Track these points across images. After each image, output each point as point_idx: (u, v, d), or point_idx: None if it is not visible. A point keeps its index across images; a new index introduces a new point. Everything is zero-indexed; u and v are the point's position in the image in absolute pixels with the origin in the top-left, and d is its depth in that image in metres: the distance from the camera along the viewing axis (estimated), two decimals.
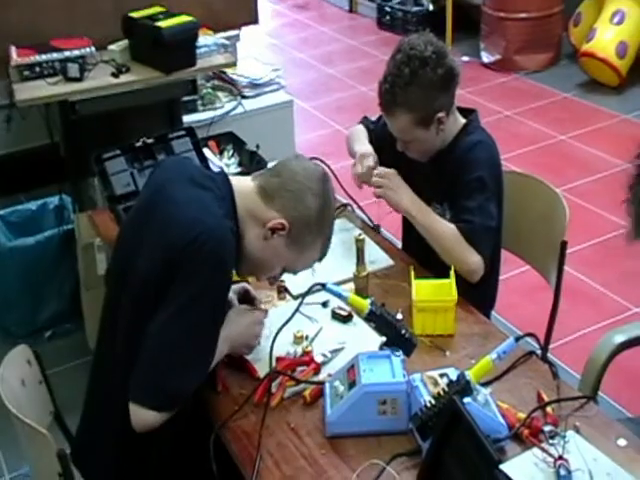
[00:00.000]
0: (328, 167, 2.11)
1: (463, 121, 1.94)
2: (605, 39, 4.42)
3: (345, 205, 2.25)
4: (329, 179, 1.58)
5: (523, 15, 4.81)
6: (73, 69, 2.70)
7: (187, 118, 3.12)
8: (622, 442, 1.37)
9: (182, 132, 2.26)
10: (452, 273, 1.73)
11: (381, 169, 1.92)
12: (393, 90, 1.82)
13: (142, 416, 1.36)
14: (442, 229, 1.83)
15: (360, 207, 2.22)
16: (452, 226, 1.84)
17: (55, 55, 2.74)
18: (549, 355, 1.85)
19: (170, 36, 2.72)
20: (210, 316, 1.41)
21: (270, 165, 2.26)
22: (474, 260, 1.81)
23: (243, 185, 1.54)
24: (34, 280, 2.87)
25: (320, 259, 1.60)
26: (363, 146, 2.04)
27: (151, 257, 1.42)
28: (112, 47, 2.85)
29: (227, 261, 1.41)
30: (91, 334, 2.74)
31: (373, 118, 2.18)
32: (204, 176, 1.55)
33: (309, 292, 1.54)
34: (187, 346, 1.38)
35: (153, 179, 1.62)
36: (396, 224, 2.16)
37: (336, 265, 1.89)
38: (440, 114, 1.84)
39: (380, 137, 2.07)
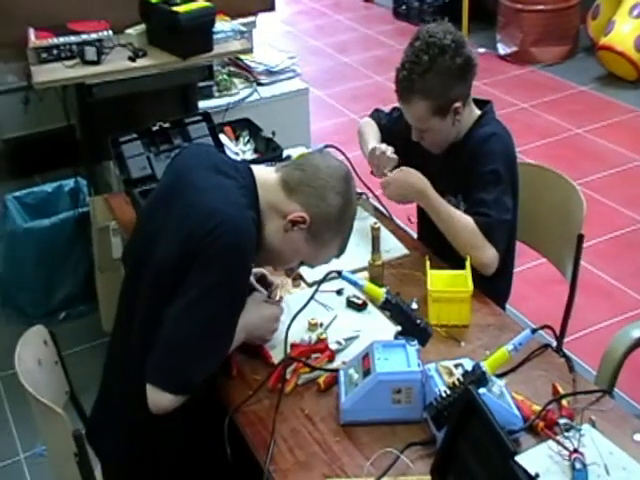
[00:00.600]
0: (343, 155, 2.12)
1: (478, 113, 1.93)
2: (623, 32, 4.37)
3: (360, 194, 2.23)
4: (352, 179, 1.57)
5: (540, 7, 4.76)
6: (90, 52, 2.69)
7: (202, 104, 3.11)
8: (638, 437, 1.36)
9: (198, 117, 2.26)
10: (468, 264, 1.72)
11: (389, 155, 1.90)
12: (411, 77, 1.80)
13: (158, 398, 1.37)
14: (459, 220, 1.82)
15: (375, 195, 2.20)
16: (469, 218, 1.82)
17: (73, 38, 2.74)
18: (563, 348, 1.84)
19: (187, 21, 2.71)
20: (229, 305, 1.41)
21: (286, 153, 2.27)
22: (489, 254, 1.79)
23: (266, 176, 1.52)
24: (49, 262, 2.89)
25: (338, 256, 1.60)
26: (373, 143, 2.02)
27: (171, 244, 1.41)
28: (129, 31, 2.84)
29: (247, 251, 1.41)
30: (105, 316, 2.75)
31: (386, 110, 2.16)
32: (227, 164, 1.55)
33: (325, 279, 1.53)
34: (205, 333, 1.37)
35: (175, 165, 1.61)
36: (411, 214, 2.14)
37: (351, 253, 1.88)
38: (457, 104, 1.82)
39: (392, 130, 2.06)
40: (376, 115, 2.17)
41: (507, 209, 1.84)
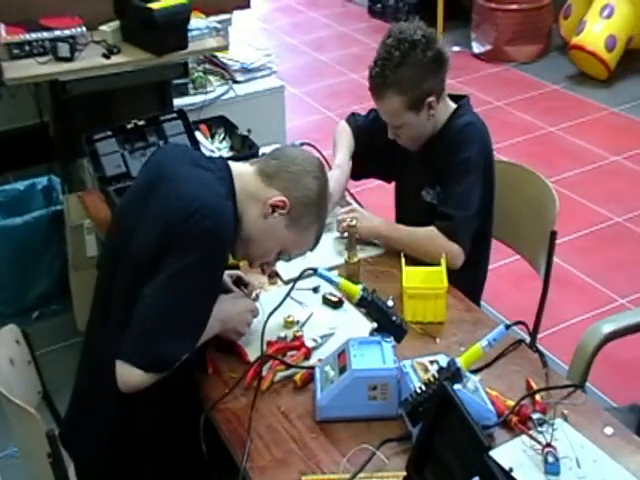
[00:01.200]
0: (319, 152, 2.12)
1: (453, 106, 1.95)
2: (594, 32, 4.43)
3: None
4: (325, 168, 1.59)
5: (514, 6, 4.80)
6: (64, 49, 2.66)
7: (178, 101, 3.09)
8: (609, 430, 1.38)
9: (174, 114, 2.25)
10: (443, 261, 1.73)
11: (341, 211, 1.94)
12: (383, 73, 1.82)
13: (128, 374, 1.36)
14: (417, 237, 1.86)
15: (351, 194, 2.21)
16: (429, 228, 1.85)
17: (45, 34, 2.70)
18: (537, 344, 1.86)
19: (162, 17, 2.69)
20: (205, 287, 1.41)
21: (262, 151, 2.27)
22: (452, 250, 1.83)
23: (242, 169, 1.56)
24: (22, 260, 2.85)
25: (313, 247, 1.62)
26: (333, 169, 2.04)
27: (148, 235, 1.42)
28: (103, 27, 2.81)
29: (225, 238, 1.42)
30: (79, 315, 2.72)
31: (363, 113, 2.17)
32: (204, 159, 1.57)
33: (300, 277, 1.54)
34: (179, 312, 1.38)
35: (151, 162, 1.61)
36: (388, 212, 2.15)
37: (326, 251, 1.89)
38: (430, 98, 1.84)
39: (369, 130, 2.08)
40: (352, 119, 2.17)
41: (473, 203, 1.87)
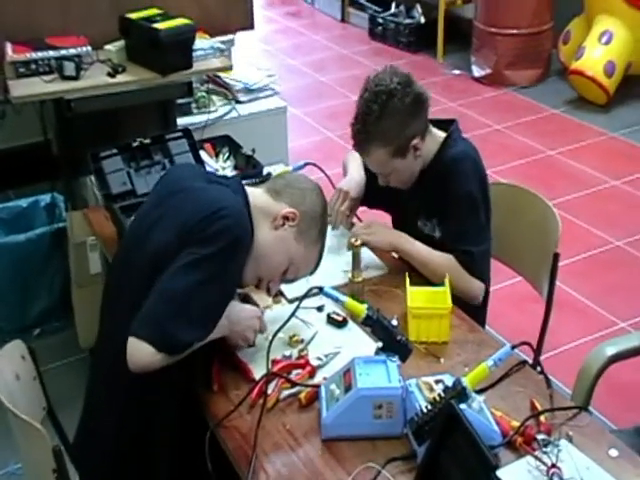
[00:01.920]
0: (322, 172, 2.15)
1: (442, 136, 1.95)
2: (593, 58, 4.48)
3: None
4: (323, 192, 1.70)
5: (514, 31, 4.86)
6: (69, 67, 2.69)
7: (181, 120, 3.11)
8: (614, 452, 1.39)
9: (179, 133, 2.27)
10: (447, 281, 1.75)
11: (359, 226, 1.95)
12: (365, 128, 1.83)
13: (139, 351, 1.38)
14: (439, 261, 1.86)
15: (355, 214, 2.23)
16: (448, 256, 1.86)
17: (51, 53, 2.73)
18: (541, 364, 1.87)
19: (167, 38, 2.73)
20: (220, 280, 1.46)
21: (266, 170, 2.29)
22: (475, 287, 1.86)
23: (252, 188, 1.64)
24: (24, 277, 2.86)
25: (315, 268, 1.67)
26: (351, 174, 2.07)
27: (168, 229, 1.49)
28: (109, 47, 2.85)
29: (244, 240, 1.49)
30: (82, 332, 2.73)
31: None
32: (218, 176, 1.67)
33: (306, 295, 1.55)
34: (193, 298, 1.42)
35: (167, 177, 1.68)
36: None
37: (331, 270, 1.90)
38: (414, 141, 1.86)
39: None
40: None
41: (487, 238, 1.89)
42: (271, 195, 1.62)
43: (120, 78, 2.75)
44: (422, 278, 1.87)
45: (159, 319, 1.40)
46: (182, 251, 1.44)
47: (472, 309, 1.85)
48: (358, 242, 1.82)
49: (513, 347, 1.46)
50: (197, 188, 1.56)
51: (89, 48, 2.80)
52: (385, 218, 2.16)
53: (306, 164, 2.20)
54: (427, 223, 1.95)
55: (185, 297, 1.41)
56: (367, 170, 2.06)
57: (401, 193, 1.97)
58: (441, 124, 1.98)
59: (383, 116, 1.81)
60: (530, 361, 1.67)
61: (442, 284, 1.74)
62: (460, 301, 1.79)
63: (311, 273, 1.69)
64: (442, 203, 1.89)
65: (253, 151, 2.49)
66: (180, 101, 3.14)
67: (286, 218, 1.59)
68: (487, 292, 2.08)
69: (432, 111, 1.93)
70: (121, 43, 2.86)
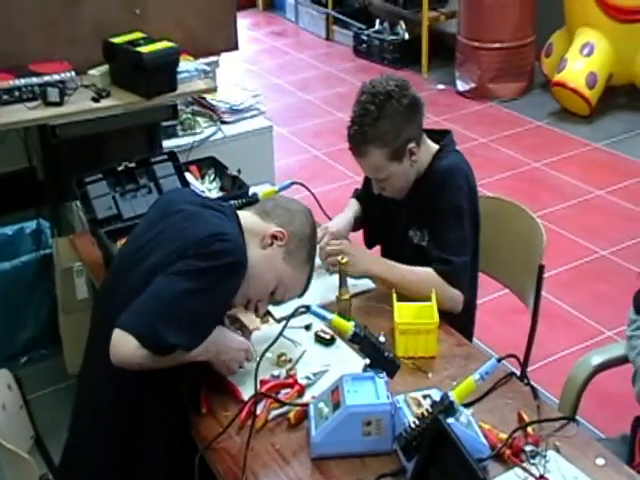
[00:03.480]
0: (309, 190, 2.17)
1: (435, 147, 1.99)
2: (575, 70, 4.55)
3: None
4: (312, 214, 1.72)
5: (497, 45, 4.93)
6: (53, 94, 2.71)
7: (167, 143, 3.14)
8: (600, 461, 1.41)
9: (164, 156, 2.29)
10: (433, 296, 1.77)
11: (331, 244, 1.94)
12: (362, 129, 1.85)
13: (123, 343, 1.40)
14: (417, 279, 1.87)
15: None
16: (427, 270, 1.88)
17: (34, 79, 2.74)
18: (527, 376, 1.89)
19: (151, 61, 2.75)
20: (212, 294, 1.47)
21: (252, 190, 2.32)
22: (453, 296, 1.87)
23: (241, 212, 1.68)
24: (10, 305, 2.85)
25: (303, 291, 1.70)
26: (343, 213, 2.12)
27: (162, 251, 1.51)
28: (92, 72, 2.87)
29: (241, 267, 1.52)
30: (69, 358, 2.72)
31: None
32: (212, 201, 1.70)
33: (294, 314, 1.56)
34: (183, 304, 1.44)
35: (163, 200, 1.73)
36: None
37: (317, 289, 1.91)
38: (411, 145, 1.88)
39: (366, 192, 2.12)
40: (355, 193, 2.24)
41: (468, 249, 1.91)
42: (260, 216, 1.66)
43: (104, 103, 2.77)
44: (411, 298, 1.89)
45: (148, 316, 1.42)
46: (178, 262, 1.47)
47: (459, 322, 1.88)
48: (344, 259, 1.84)
49: (499, 360, 1.48)
50: (195, 212, 1.59)
51: (73, 73, 2.81)
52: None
53: (292, 183, 2.23)
54: (417, 233, 1.97)
55: (175, 301, 1.44)
56: (370, 201, 2.09)
57: (392, 206, 2.00)
58: (435, 135, 2.01)
59: (381, 117, 1.83)
60: (518, 373, 1.68)
61: (429, 299, 1.76)
62: (448, 315, 1.81)
63: (300, 295, 1.71)
64: (432, 214, 1.91)
65: (239, 172, 2.51)
66: (165, 124, 3.16)
67: (274, 237, 1.61)
68: (474, 305, 2.11)
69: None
70: (105, 67, 2.89)
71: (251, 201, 1.94)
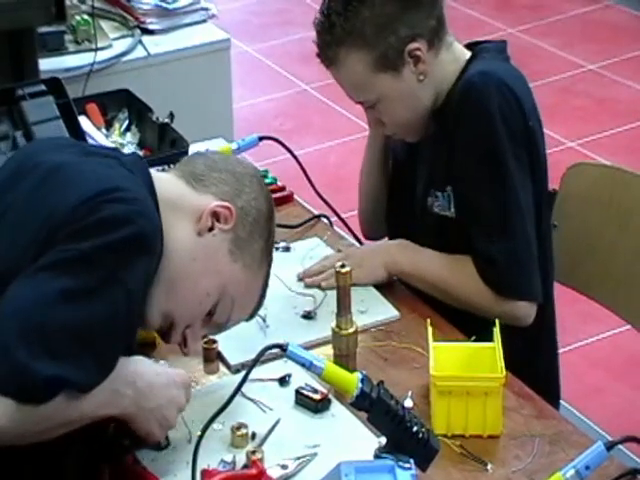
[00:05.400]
0: (289, 151, 2.19)
1: (468, 54, 2.03)
2: None
3: (318, 217, 2.29)
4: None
5: None
6: None
7: (46, 64, 3.15)
8: None
9: (40, 87, 2.31)
10: (497, 330, 1.77)
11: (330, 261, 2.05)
12: (330, 21, 1.91)
13: None
14: (458, 275, 1.97)
15: (341, 218, 2.27)
16: (465, 259, 1.95)
17: None
18: None
19: None
20: (106, 293, 1.46)
21: (193, 148, 2.33)
22: (514, 309, 1.94)
23: (158, 172, 1.70)
24: None
25: (256, 308, 1.74)
26: None
27: (12, 236, 1.50)
28: None
29: (149, 240, 1.51)
30: None
31: None
32: (103, 148, 1.73)
33: (259, 358, 1.57)
34: (61, 314, 1.42)
35: (12, 161, 1.71)
36: None
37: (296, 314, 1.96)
38: (413, 44, 1.92)
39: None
40: None
41: (522, 221, 1.94)
42: (188, 182, 1.68)
43: None
44: (455, 327, 1.92)
45: (7, 354, 1.39)
46: (44, 253, 1.46)
47: (537, 372, 1.93)
48: (346, 269, 1.85)
49: (611, 445, 1.49)
50: (63, 164, 1.59)
51: None
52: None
53: (262, 138, 2.23)
54: (438, 195, 2.02)
55: (46, 311, 1.43)
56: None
57: (401, 150, 2.10)
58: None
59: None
60: None
61: (487, 333, 1.77)
62: (521, 362, 1.83)
63: (249, 317, 1.74)
64: (452, 161, 1.97)
65: (171, 117, 2.51)
66: (43, 30, 3.18)
67: (216, 216, 1.64)
68: (554, 346, 2.14)
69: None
70: None
71: None
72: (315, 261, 2.08)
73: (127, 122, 2.56)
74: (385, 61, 1.92)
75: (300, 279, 2.07)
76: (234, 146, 2.20)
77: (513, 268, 1.93)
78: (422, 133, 2.04)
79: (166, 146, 2.43)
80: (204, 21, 3.53)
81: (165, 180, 1.69)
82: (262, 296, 1.74)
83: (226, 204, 1.65)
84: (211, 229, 1.64)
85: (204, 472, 1.59)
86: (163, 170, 1.87)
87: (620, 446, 1.55)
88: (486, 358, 1.75)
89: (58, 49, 3.31)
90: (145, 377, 1.57)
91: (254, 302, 1.73)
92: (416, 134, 2.04)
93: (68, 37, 3.33)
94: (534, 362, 2.02)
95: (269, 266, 1.74)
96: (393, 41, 1.91)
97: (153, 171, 1.69)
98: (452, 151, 1.96)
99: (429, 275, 1.99)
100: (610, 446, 1.49)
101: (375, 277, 2.03)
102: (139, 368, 1.57)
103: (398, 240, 2.07)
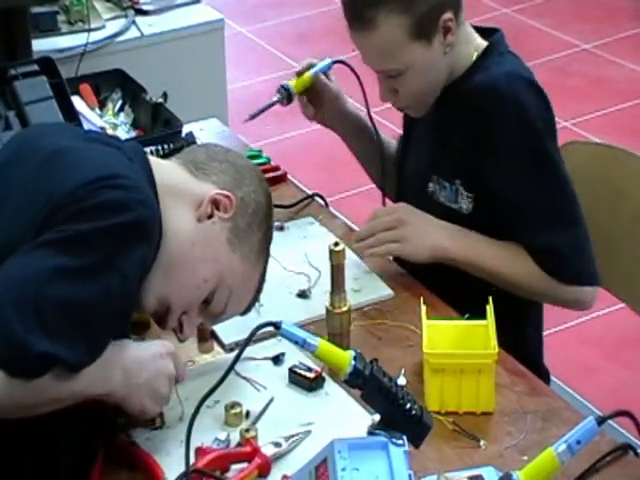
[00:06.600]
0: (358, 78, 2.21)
1: (482, 43, 2.03)
2: None
3: (312, 196, 2.29)
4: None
5: None
6: None
7: (40, 44, 3.15)
8: None
9: (33, 66, 2.30)
10: (489, 308, 1.78)
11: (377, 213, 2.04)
12: None
13: None
14: (508, 264, 1.98)
15: (326, 203, 2.27)
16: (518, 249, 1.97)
17: None
18: None
19: None
20: (102, 274, 1.48)
21: (187, 129, 2.32)
22: (579, 292, 1.97)
23: (158, 159, 1.72)
24: None
25: (252, 302, 1.75)
26: None
27: (12, 219, 1.52)
28: None
29: (148, 225, 1.53)
30: None
31: None
32: (102, 135, 1.77)
33: (253, 337, 1.57)
34: (55, 290, 1.44)
35: (11, 144, 1.73)
36: None
37: (290, 293, 1.97)
38: (446, 15, 1.92)
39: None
40: None
41: (575, 207, 1.97)
42: (189, 170, 1.70)
43: None
44: (449, 305, 1.93)
45: (3, 322, 1.41)
46: (42, 234, 1.48)
47: (528, 349, 1.96)
48: (339, 247, 1.85)
49: (602, 420, 1.49)
50: (64, 149, 1.61)
51: None
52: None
53: (334, 62, 2.24)
54: (445, 185, 2.02)
55: (41, 287, 1.44)
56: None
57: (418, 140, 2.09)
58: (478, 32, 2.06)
59: None
60: (634, 442, 1.70)
61: (481, 311, 1.77)
62: (512, 341, 1.83)
63: (244, 311, 1.75)
64: (477, 155, 1.96)
65: (165, 97, 2.51)
66: (37, 10, 3.17)
67: (216, 204, 1.66)
68: (539, 317, 2.19)
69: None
70: None
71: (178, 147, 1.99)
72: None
73: (120, 102, 2.56)
74: (420, 29, 1.91)
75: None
76: (312, 71, 2.20)
77: (577, 256, 1.95)
78: (429, 109, 2.03)
79: (159, 126, 2.43)
80: (198, 1, 3.53)
81: (166, 166, 1.71)
82: (258, 290, 1.76)
83: (227, 193, 1.67)
84: (210, 216, 1.66)
85: (198, 450, 1.59)
86: (162, 156, 1.87)
87: (611, 422, 1.55)
88: (479, 335, 1.76)
89: (51, 30, 3.30)
90: (131, 354, 1.59)
91: (250, 295, 1.74)
92: (425, 108, 2.03)
93: (61, 18, 3.33)
94: (524, 340, 2.04)
95: (266, 262, 1.76)
96: (430, 8, 1.90)
97: (154, 158, 1.71)
98: (472, 142, 1.97)
99: (482, 264, 1.98)
100: (601, 421, 1.49)
101: (416, 258, 2.00)
102: (124, 347, 1.59)
103: (448, 224, 2.03)
